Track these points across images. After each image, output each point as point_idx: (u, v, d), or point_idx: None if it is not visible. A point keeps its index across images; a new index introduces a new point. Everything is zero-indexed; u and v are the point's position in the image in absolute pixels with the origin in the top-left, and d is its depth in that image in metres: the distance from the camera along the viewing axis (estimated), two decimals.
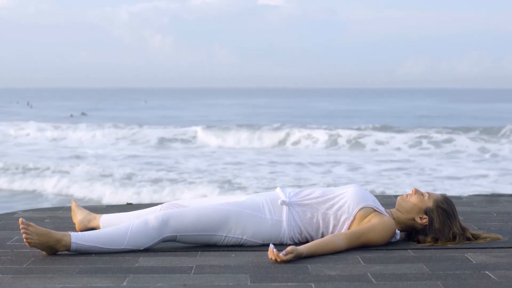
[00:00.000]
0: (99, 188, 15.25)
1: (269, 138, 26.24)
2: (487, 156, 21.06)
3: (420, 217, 3.95)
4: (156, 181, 15.98)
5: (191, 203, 4.16)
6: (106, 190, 14.97)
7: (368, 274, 3.29)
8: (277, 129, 28.77)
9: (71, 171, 17.57)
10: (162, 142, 26.99)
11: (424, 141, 24.14)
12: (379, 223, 3.84)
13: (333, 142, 24.93)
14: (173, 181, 16.06)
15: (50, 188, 15.71)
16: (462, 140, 23.80)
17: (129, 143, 26.91)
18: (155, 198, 14.07)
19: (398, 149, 23.06)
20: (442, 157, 21.09)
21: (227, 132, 27.98)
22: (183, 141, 27.10)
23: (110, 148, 24.87)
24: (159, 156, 22.03)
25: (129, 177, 16.64)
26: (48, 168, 17.89)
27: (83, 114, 49.26)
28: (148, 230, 3.79)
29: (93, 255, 3.72)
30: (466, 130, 27.06)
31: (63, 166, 18.27)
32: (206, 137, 27.08)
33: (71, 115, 47.08)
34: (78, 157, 21.62)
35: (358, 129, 29.14)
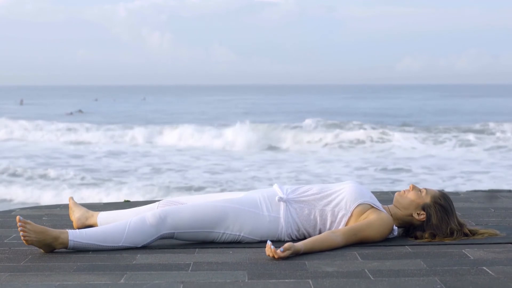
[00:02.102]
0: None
1: (277, 137, 24.65)
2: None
3: (417, 213, 3.95)
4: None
5: (188, 200, 4.16)
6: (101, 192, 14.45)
7: (366, 270, 3.29)
8: (284, 127, 27.06)
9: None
10: (163, 139, 26.02)
11: (440, 138, 23.38)
12: (377, 220, 3.84)
13: (351, 140, 23.64)
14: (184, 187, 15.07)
15: None
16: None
17: (127, 141, 26.23)
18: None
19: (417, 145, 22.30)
20: (460, 153, 20.67)
21: (234, 130, 25.81)
22: (181, 139, 25.84)
23: (108, 146, 24.18)
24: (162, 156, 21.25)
25: (127, 180, 15.86)
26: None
27: (80, 111, 49.17)
28: (145, 227, 3.79)
29: (90, 252, 3.72)
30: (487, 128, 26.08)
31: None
32: (208, 136, 25.54)
33: (71, 113, 46.84)
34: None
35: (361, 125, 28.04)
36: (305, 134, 24.99)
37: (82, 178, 15.85)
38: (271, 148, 23.24)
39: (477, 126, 26.19)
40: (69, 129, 29.25)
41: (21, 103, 66.99)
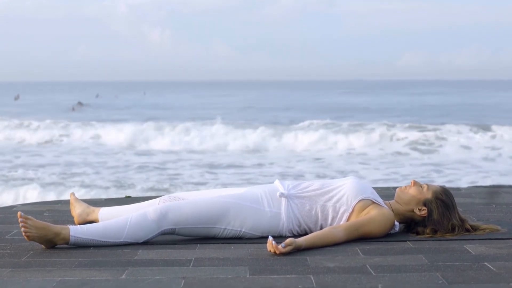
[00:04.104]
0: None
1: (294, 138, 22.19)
2: None
3: (419, 209, 3.95)
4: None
5: (190, 195, 4.16)
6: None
7: (367, 265, 3.29)
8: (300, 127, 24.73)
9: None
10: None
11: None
12: (378, 215, 3.84)
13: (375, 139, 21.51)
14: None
15: None
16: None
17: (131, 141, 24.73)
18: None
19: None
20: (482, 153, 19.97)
21: (248, 129, 23.68)
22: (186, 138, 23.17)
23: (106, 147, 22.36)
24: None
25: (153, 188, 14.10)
26: None
27: (79, 103, 49.18)
28: (147, 223, 3.79)
29: (92, 248, 3.72)
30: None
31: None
32: (219, 134, 23.15)
33: (73, 109, 46.59)
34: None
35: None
36: (321, 132, 23.52)
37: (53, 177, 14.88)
38: (287, 146, 22.01)
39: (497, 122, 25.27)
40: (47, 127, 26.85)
41: (16, 98, 64.94)
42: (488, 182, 13.74)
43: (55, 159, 18.61)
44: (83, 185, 13.74)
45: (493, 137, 21.62)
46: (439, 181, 14.07)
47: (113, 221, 3.83)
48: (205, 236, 3.91)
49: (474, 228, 3.98)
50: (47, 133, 25.13)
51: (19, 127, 26.81)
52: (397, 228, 3.99)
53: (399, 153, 19.48)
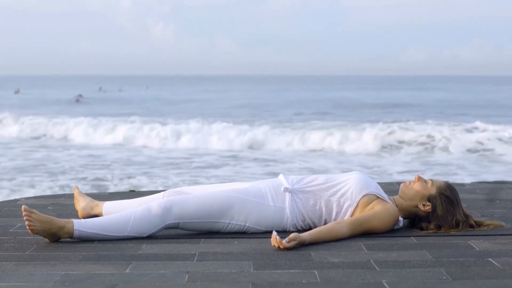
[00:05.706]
0: None
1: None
2: None
3: (423, 204, 3.94)
4: None
5: (194, 190, 4.16)
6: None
7: (371, 261, 3.29)
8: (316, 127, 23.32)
9: None
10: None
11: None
12: (382, 210, 3.83)
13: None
14: None
15: None
16: None
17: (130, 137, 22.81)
18: None
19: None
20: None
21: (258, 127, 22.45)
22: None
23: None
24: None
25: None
26: None
27: (79, 96, 49.26)
28: (151, 217, 3.79)
29: (96, 242, 3.72)
30: None
31: None
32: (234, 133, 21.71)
33: (77, 100, 46.37)
34: None
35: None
36: (327, 129, 22.68)
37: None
38: (297, 144, 21.22)
39: None
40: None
41: (17, 92, 64.01)
42: (497, 178, 13.65)
43: (61, 154, 18.59)
44: (91, 181, 13.74)
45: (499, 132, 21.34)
46: (456, 177, 14.04)
47: (117, 215, 3.83)
48: (209, 230, 3.91)
49: (478, 224, 3.98)
50: (49, 128, 25.07)
51: (21, 122, 26.69)
52: (401, 224, 3.99)
53: (411, 150, 19.31)
